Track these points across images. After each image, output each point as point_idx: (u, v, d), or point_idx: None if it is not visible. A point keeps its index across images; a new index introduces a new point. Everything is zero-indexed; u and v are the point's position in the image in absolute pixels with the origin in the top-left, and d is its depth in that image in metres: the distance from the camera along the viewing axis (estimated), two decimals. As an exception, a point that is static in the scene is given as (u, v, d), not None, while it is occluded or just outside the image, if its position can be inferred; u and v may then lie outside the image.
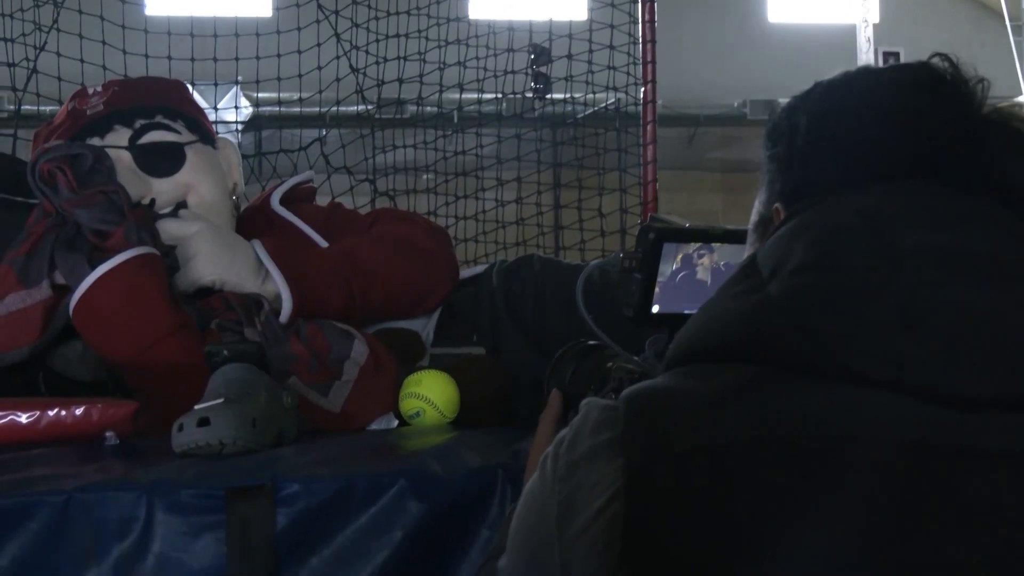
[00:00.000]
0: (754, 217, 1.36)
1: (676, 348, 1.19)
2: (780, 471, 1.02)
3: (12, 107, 4.61)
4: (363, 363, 2.43)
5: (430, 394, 2.38)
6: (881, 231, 1.12)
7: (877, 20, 10.65)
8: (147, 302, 2.41)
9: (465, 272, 2.97)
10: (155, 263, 2.46)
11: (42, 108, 4.38)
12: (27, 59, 4.44)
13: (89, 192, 2.53)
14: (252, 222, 2.84)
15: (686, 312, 1.70)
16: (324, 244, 2.77)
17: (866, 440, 1.02)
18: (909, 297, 1.07)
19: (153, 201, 2.68)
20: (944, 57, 1.25)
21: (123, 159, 2.72)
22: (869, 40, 7.02)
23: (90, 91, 2.87)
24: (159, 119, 2.81)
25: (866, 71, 1.31)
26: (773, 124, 1.33)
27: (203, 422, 1.93)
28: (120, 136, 2.75)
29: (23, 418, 2.14)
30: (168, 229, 2.59)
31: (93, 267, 2.42)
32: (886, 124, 1.23)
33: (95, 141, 2.73)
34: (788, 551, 0.99)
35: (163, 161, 2.76)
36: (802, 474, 1.01)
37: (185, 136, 2.83)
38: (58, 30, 4.50)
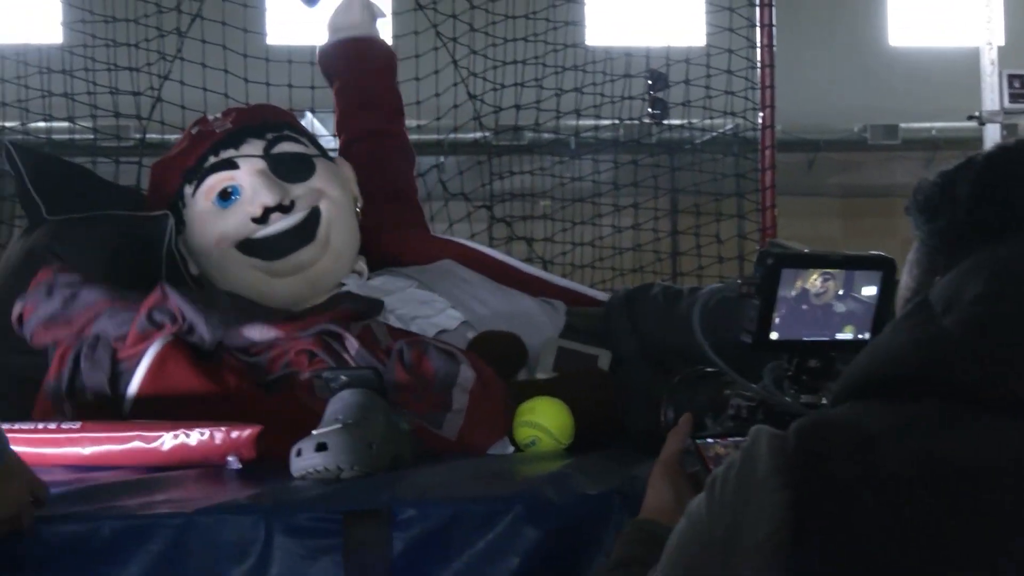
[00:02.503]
0: (906, 293, 1.35)
1: (847, 380, 1.19)
2: (946, 505, 1.01)
3: (137, 135, 4.70)
4: (471, 387, 2.40)
5: (544, 422, 2.37)
6: None
7: (1002, 42, 10.46)
8: (182, 394, 2.39)
9: (581, 288, 3.02)
10: (173, 355, 2.43)
11: (166, 136, 4.46)
12: (152, 88, 4.53)
13: (80, 311, 2.50)
14: None
15: (805, 339, 1.68)
16: None
17: None
18: None
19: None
20: None
21: (259, 167, 2.86)
22: (993, 63, 6.88)
23: (210, 118, 3.02)
24: (287, 133, 2.98)
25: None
26: (925, 198, 1.33)
27: (321, 447, 1.94)
28: (254, 147, 2.89)
29: (148, 442, 2.17)
30: None
31: (122, 385, 2.42)
32: None
33: (228, 153, 2.88)
34: None
35: (296, 168, 2.91)
36: (971, 508, 1.00)
37: (311, 149, 3.00)
38: (182, 59, 4.58)
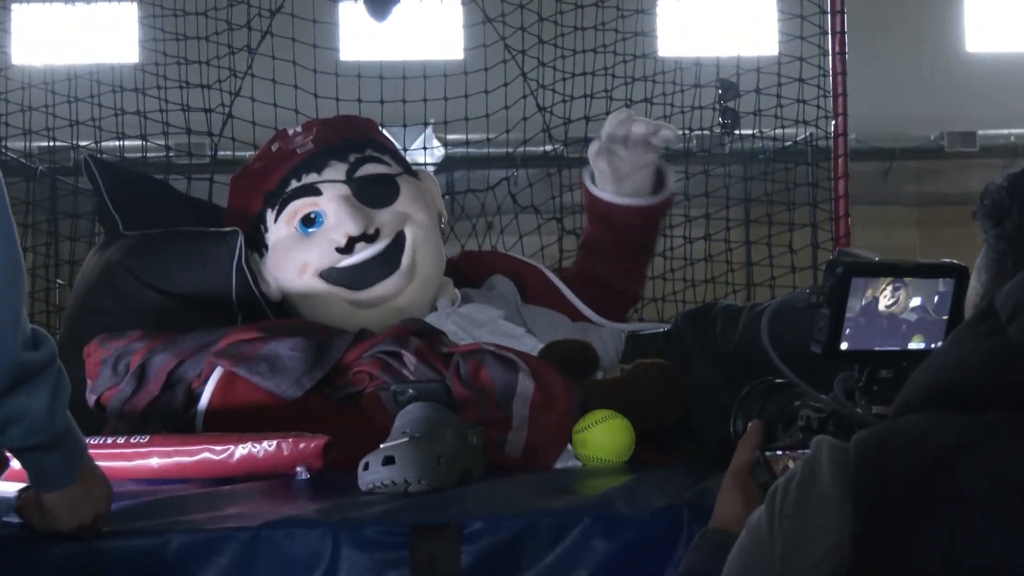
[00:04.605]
0: (974, 299, 1.33)
1: (911, 391, 1.16)
2: (1017, 521, 0.99)
3: (210, 152, 4.75)
4: (530, 397, 2.34)
5: (599, 453, 2.32)
6: None
7: (1082, 47, 10.32)
8: (250, 407, 2.40)
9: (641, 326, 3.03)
10: (233, 383, 2.43)
11: (237, 153, 4.49)
12: (223, 105, 4.57)
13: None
14: None
15: (877, 349, 1.65)
16: None
17: None
18: None
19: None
20: None
21: (342, 192, 2.84)
22: (1073, 67, 6.80)
23: (290, 132, 3.00)
24: (369, 152, 2.94)
25: None
26: (992, 202, 1.31)
27: (388, 460, 1.94)
28: (337, 171, 2.87)
29: (216, 454, 2.18)
30: None
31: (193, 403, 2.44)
32: None
33: (311, 177, 2.86)
34: None
35: (380, 192, 2.88)
36: None
37: (394, 168, 2.96)
38: (252, 76, 4.62)
